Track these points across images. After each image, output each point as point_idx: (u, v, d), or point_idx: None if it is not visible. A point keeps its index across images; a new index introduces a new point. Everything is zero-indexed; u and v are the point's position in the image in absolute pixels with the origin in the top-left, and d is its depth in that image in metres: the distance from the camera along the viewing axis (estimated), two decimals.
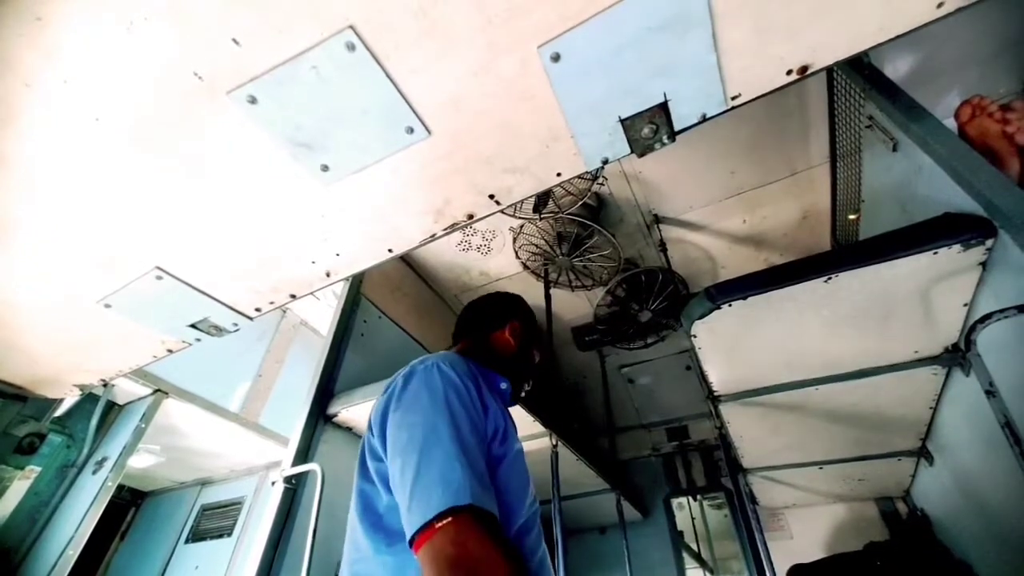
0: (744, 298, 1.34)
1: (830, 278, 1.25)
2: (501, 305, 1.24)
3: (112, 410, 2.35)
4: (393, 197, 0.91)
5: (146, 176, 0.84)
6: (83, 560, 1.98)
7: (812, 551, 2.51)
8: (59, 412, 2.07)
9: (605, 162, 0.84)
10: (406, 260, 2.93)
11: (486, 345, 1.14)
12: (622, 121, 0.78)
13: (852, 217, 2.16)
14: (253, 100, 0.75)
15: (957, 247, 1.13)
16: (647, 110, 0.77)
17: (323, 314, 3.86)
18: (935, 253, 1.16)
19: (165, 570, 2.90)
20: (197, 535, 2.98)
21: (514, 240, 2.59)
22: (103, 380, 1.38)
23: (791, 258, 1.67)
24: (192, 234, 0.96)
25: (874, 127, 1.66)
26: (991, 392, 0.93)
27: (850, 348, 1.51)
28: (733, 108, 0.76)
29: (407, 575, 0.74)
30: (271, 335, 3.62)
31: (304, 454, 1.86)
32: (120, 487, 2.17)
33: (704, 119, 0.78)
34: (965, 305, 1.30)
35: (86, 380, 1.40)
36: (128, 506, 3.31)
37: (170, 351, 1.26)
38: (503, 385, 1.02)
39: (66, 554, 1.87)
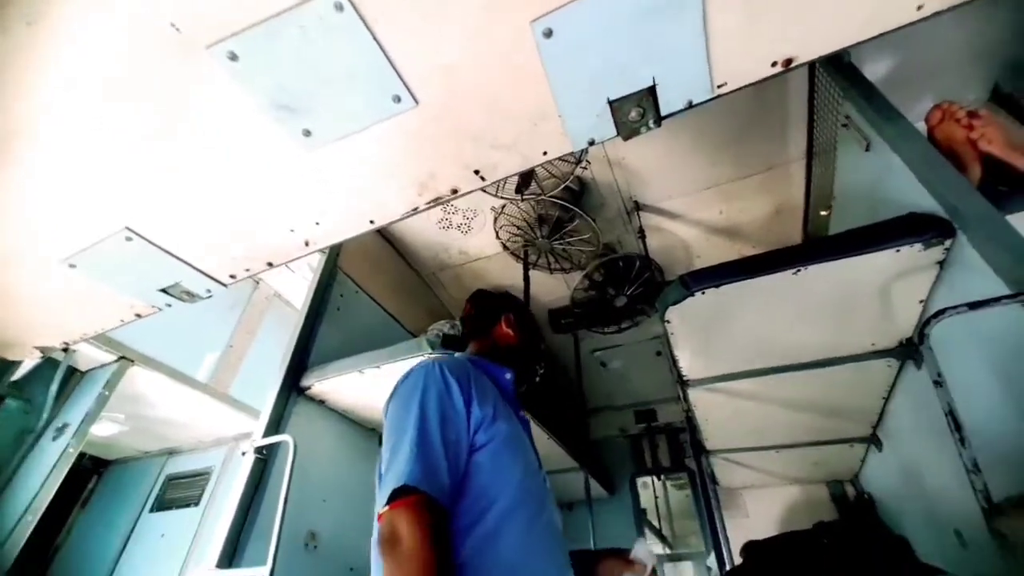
0: (717, 286, 1.38)
1: (799, 270, 1.30)
2: (491, 301, 1.37)
3: (73, 376, 2.27)
4: (377, 167, 0.89)
5: (116, 131, 0.80)
6: (43, 526, 1.94)
7: (766, 529, 2.65)
8: (16, 376, 1.99)
9: (591, 143, 0.85)
10: (385, 235, 2.89)
11: (491, 342, 1.25)
12: (610, 103, 0.79)
13: (823, 213, 2.23)
14: (234, 56, 0.72)
15: (919, 245, 1.18)
16: (635, 93, 0.78)
17: (298, 287, 3.77)
18: (898, 251, 1.21)
19: (129, 538, 2.86)
20: (163, 504, 2.94)
21: (495, 220, 2.59)
22: (66, 343, 1.33)
23: (763, 250, 1.72)
24: (165, 195, 0.93)
25: (850, 126, 1.71)
26: (939, 383, 0.99)
27: (813, 339, 1.58)
28: (718, 96, 0.78)
29: None
30: (243, 306, 3.54)
31: (276, 425, 1.85)
32: (81, 455, 2.12)
33: (690, 105, 0.79)
34: (921, 301, 1.38)
35: (48, 342, 1.35)
36: (90, 474, 3.24)
37: (139, 315, 1.22)
38: (507, 375, 1.12)
39: (24, 520, 1.83)
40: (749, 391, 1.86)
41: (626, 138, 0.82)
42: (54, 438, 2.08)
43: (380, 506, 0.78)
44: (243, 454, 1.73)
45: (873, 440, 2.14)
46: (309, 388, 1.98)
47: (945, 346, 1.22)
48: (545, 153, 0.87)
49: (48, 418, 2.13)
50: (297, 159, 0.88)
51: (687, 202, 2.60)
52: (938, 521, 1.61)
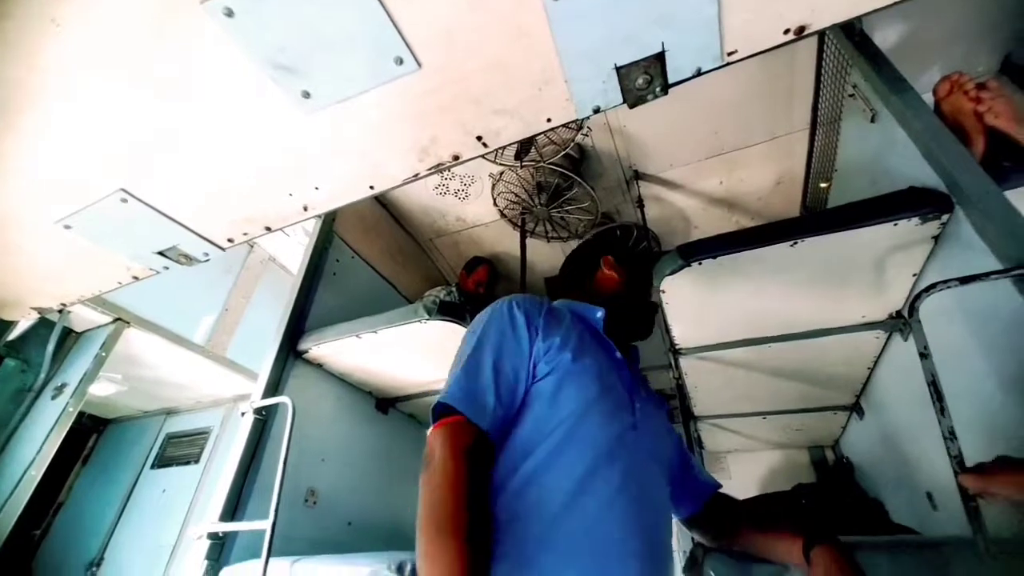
0: (714, 257, 1.39)
1: (796, 243, 1.31)
2: (588, 248, 1.32)
3: (69, 337, 2.28)
4: (377, 131, 0.87)
5: (109, 90, 0.78)
6: (45, 483, 1.99)
7: (747, 490, 2.77)
8: (11, 336, 1.99)
9: (596, 111, 0.83)
10: (381, 201, 2.86)
11: (589, 290, 1.21)
12: (618, 69, 0.77)
13: (824, 185, 2.22)
14: (230, 13, 0.69)
15: (916, 220, 1.19)
16: (644, 59, 0.76)
17: (293, 251, 3.76)
18: (895, 224, 1.22)
19: (131, 493, 2.95)
20: (163, 461, 3.01)
21: (493, 187, 2.56)
22: (63, 304, 1.33)
23: (761, 222, 1.73)
24: (160, 157, 0.91)
25: (857, 96, 1.68)
26: (924, 354, 1.01)
27: (805, 310, 1.61)
28: (728, 64, 0.76)
29: (507, 486, 0.76)
30: (238, 270, 3.52)
31: (274, 387, 1.88)
32: (81, 414, 2.15)
33: (699, 73, 0.77)
34: (914, 275, 1.40)
35: (45, 303, 1.35)
36: (90, 432, 3.30)
37: (136, 278, 1.22)
38: (597, 314, 1.06)
39: (28, 475, 1.87)
40: (740, 360, 1.90)
41: (632, 106, 0.81)
42: (53, 397, 2.10)
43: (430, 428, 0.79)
44: (242, 414, 1.76)
45: (856, 408, 2.22)
46: (307, 352, 2.00)
47: (933, 319, 1.25)
48: (549, 120, 0.85)
49: (46, 377, 2.15)
50: (296, 122, 0.86)
51: (687, 172, 2.58)
52: (912, 485, 1.70)
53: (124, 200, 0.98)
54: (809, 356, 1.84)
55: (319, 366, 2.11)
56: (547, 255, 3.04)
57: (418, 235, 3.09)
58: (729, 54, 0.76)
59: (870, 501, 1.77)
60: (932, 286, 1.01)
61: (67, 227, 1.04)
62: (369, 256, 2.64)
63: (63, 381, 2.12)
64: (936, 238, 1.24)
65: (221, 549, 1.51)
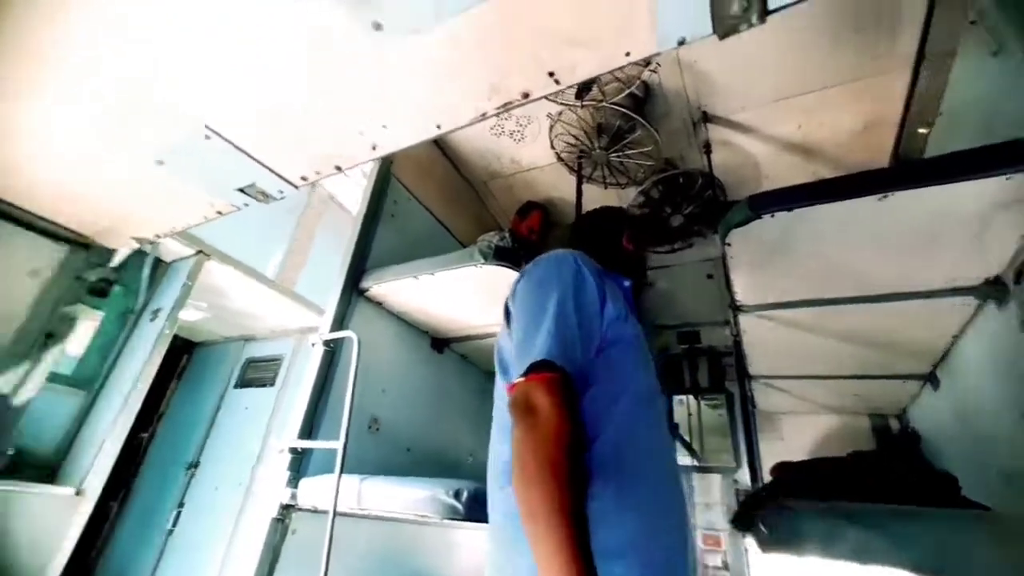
0: (789, 210, 1.30)
1: (885, 196, 1.19)
2: (615, 219, 1.41)
3: (159, 266, 2.51)
4: (447, 67, 0.85)
5: (194, 24, 0.80)
6: (149, 394, 2.27)
7: (799, 453, 2.74)
8: (113, 263, 2.22)
9: (681, 43, 0.76)
10: (436, 143, 2.84)
11: (611, 252, 1.27)
12: None
13: (923, 131, 1.98)
14: None
15: None
16: None
17: (351, 191, 3.87)
18: (1008, 178, 1.08)
19: (219, 408, 3.32)
20: (244, 382, 3.35)
21: (551, 128, 2.47)
22: (158, 235, 1.46)
23: (841, 173, 1.56)
24: (238, 92, 0.94)
25: (979, 24, 1.45)
26: None
27: (888, 271, 1.49)
28: None
29: None
30: (301, 208, 3.68)
31: (340, 322, 2.00)
32: (174, 336, 2.40)
33: None
34: (1022, 237, 1.25)
35: (142, 234, 1.48)
36: (181, 353, 3.69)
37: (220, 213, 1.31)
38: (627, 283, 1.15)
39: (138, 387, 2.14)
40: (805, 321, 1.82)
41: (723, 36, 0.74)
42: (151, 320, 2.36)
43: (515, 376, 0.82)
44: (312, 345, 1.90)
45: (931, 378, 2.09)
46: (368, 290, 2.10)
47: None
48: (628, 54, 0.79)
49: (144, 302, 2.41)
50: (367, 56, 0.85)
51: (762, 114, 2.37)
52: (988, 463, 1.61)
53: (208, 136, 1.03)
54: (884, 320, 1.73)
55: (379, 304, 2.22)
56: (602, 202, 2.92)
57: (472, 178, 3.07)
58: None
59: (939, 474, 1.69)
60: None
61: (160, 163, 1.11)
62: (424, 198, 2.67)
63: (158, 306, 2.36)
64: None
65: (300, 463, 1.69)
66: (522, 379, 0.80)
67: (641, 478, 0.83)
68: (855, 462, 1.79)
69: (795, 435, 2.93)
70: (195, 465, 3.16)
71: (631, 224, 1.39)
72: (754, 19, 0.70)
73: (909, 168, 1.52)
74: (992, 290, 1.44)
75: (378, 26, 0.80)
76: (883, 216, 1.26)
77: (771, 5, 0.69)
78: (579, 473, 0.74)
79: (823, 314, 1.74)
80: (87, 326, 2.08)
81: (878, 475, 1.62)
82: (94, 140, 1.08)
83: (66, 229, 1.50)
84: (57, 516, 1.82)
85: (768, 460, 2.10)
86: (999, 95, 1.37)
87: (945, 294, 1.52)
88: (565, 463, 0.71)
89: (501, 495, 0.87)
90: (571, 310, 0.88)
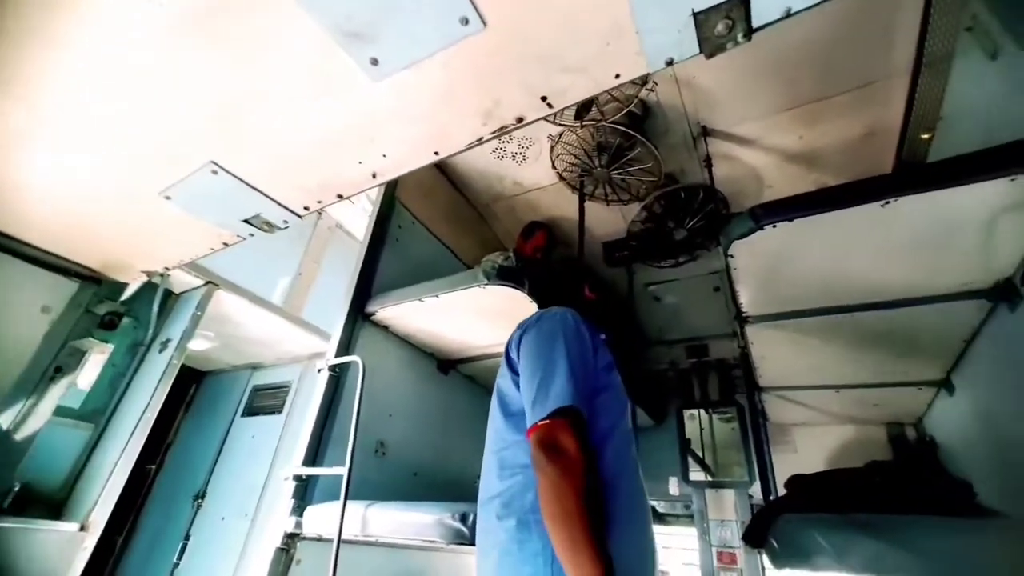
0: (790, 220, 1.30)
1: (888, 202, 1.19)
2: (572, 276, 1.59)
3: (170, 298, 2.54)
4: (443, 95, 0.87)
5: (198, 65, 0.83)
6: (157, 424, 2.27)
7: (814, 465, 2.67)
8: (124, 297, 2.25)
9: (669, 63, 0.78)
10: (439, 166, 2.88)
11: (578, 306, 1.37)
12: (695, 15, 0.71)
13: (924, 136, 1.98)
14: None
15: None
16: (725, 2, 0.69)
17: (356, 218, 3.92)
18: (1013, 179, 1.08)
19: (226, 437, 3.31)
20: (251, 410, 3.35)
21: (551, 149, 2.50)
22: (167, 267, 1.48)
23: (844, 180, 1.55)
24: (243, 129, 0.96)
25: (975, 30, 1.46)
26: None
27: (896, 277, 1.48)
28: (824, 1, 0.68)
29: None
30: (308, 237, 3.72)
31: (346, 347, 2.01)
32: (181, 366, 2.41)
33: (788, 14, 0.70)
34: None
35: (151, 267, 1.51)
36: (189, 382, 3.71)
37: (226, 244, 1.33)
38: (603, 336, 1.25)
39: (145, 417, 2.14)
40: (813, 330, 1.79)
41: (709, 55, 0.75)
42: (160, 351, 2.37)
43: (537, 418, 0.94)
44: (319, 371, 1.90)
45: (945, 384, 2.04)
46: (374, 314, 2.11)
47: None
48: (618, 76, 0.81)
49: (153, 333, 2.43)
50: (365, 90, 0.87)
51: (762, 126, 2.38)
52: (1006, 468, 1.56)
53: (215, 172, 1.06)
54: (895, 327, 1.70)
55: (385, 328, 2.22)
56: (605, 219, 2.96)
57: (475, 200, 3.10)
58: None
59: (955, 482, 1.64)
60: None
61: (167, 198, 1.14)
62: (429, 221, 2.69)
63: (167, 337, 2.38)
64: None
65: (305, 490, 1.68)
66: (546, 421, 0.93)
67: (626, 500, 0.99)
68: (870, 472, 1.74)
69: (809, 447, 2.86)
70: (202, 496, 3.14)
71: (588, 275, 1.56)
72: (739, 37, 0.71)
73: (910, 174, 1.51)
74: (1005, 291, 1.42)
75: (375, 61, 0.82)
76: (887, 222, 1.26)
77: (755, 23, 0.70)
78: (598, 498, 0.91)
79: (831, 322, 1.72)
80: (96, 359, 2.10)
81: (893, 485, 1.57)
82: (103, 177, 1.12)
83: (77, 264, 1.54)
84: (61, 552, 1.81)
85: (782, 473, 2.05)
86: (999, 98, 1.37)
87: (956, 298, 1.50)
88: (590, 495, 0.87)
89: (496, 525, 0.97)
90: (577, 361, 1.02)
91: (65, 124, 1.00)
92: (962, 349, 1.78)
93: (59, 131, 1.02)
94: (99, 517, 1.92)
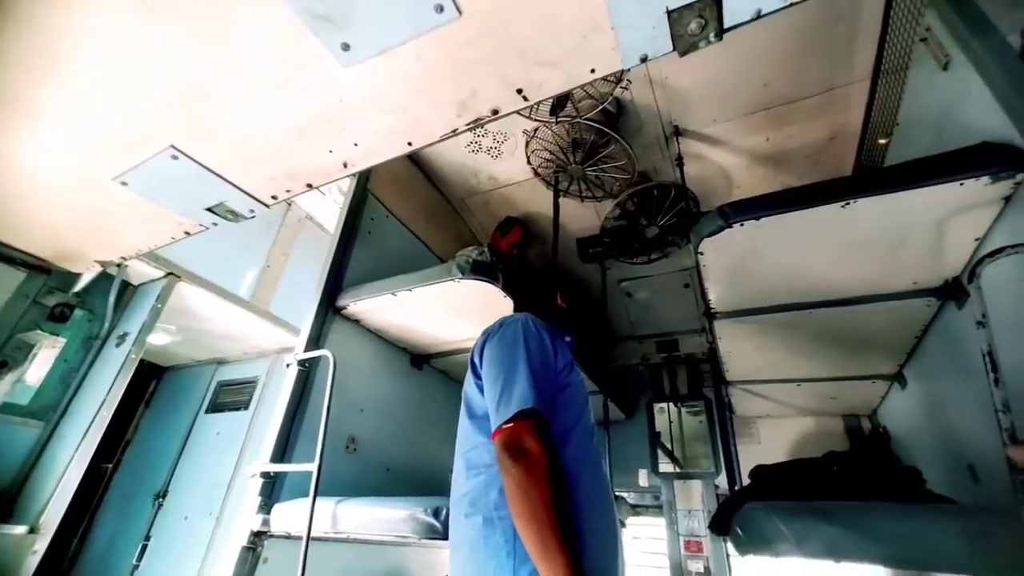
0: (757, 219, 1.34)
1: (848, 203, 1.24)
2: (545, 281, 1.63)
3: (127, 290, 2.42)
4: (416, 85, 0.86)
5: (156, 46, 0.79)
6: (113, 421, 2.17)
7: (777, 456, 2.75)
8: (77, 288, 2.14)
9: (643, 59, 0.79)
10: (413, 159, 2.84)
11: (549, 312, 1.48)
12: (669, 13, 0.72)
13: (882, 141, 2.07)
14: None
15: (985, 179, 1.10)
16: (698, 1, 0.71)
17: (328, 210, 3.82)
18: (961, 184, 1.14)
19: (189, 434, 3.20)
20: (216, 407, 3.24)
21: (527, 144, 2.50)
22: (123, 257, 1.41)
23: (809, 182, 1.62)
24: (206, 113, 0.92)
25: (929, 41, 1.53)
26: (982, 323, 0.97)
27: (853, 275, 1.54)
28: (792, 5, 0.70)
29: None
30: (276, 228, 3.62)
31: (316, 341, 1.96)
32: (141, 361, 2.32)
33: (759, 16, 0.71)
34: (976, 239, 1.31)
35: (106, 256, 1.43)
36: (149, 378, 3.56)
37: (187, 233, 1.27)
38: (567, 339, 1.32)
39: (100, 414, 2.05)
40: (778, 325, 1.86)
41: (682, 53, 0.76)
42: (117, 345, 2.27)
43: (501, 421, 0.99)
44: (287, 366, 1.85)
45: (898, 378, 2.15)
46: (345, 308, 2.07)
47: (994, 286, 1.18)
48: (593, 71, 0.81)
49: (109, 327, 2.32)
50: (336, 76, 0.85)
51: (732, 127, 2.44)
52: (953, 457, 1.65)
53: (175, 157, 1.01)
54: (852, 323, 1.78)
55: (356, 322, 2.18)
56: (580, 215, 2.99)
57: (450, 194, 3.08)
58: None
59: (906, 469, 1.74)
60: (999, 250, 0.95)
61: (123, 184, 1.08)
62: (402, 215, 2.66)
63: (125, 330, 2.28)
64: (1007, 199, 1.15)
65: (272, 487, 1.64)
66: (510, 424, 0.97)
67: (589, 491, 1.03)
68: (828, 462, 1.83)
69: (772, 438, 2.97)
70: (163, 495, 3.02)
71: (562, 281, 1.63)
72: (711, 36, 0.72)
73: (869, 177, 1.58)
74: (953, 290, 1.50)
75: (346, 47, 0.80)
76: (847, 223, 1.31)
77: (727, 23, 0.72)
78: (563, 493, 0.93)
79: (794, 319, 1.79)
80: (46, 354, 1.99)
81: (850, 473, 1.65)
82: (51, 160, 1.05)
83: (23, 253, 1.45)
84: (8, 556, 1.71)
85: (747, 464, 2.13)
86: (950, 106, 1.44)
87: (908, 296, 1.58)
88: (556, 491, 0.90)
89: (464, 522, 1.01)
90: (538, 364, 1.07)
91: (9, 103, 0.94)
92: (913, 345, 1.88)
93: (2, 111, 0.96)
94: (51, 519, 1.83)
